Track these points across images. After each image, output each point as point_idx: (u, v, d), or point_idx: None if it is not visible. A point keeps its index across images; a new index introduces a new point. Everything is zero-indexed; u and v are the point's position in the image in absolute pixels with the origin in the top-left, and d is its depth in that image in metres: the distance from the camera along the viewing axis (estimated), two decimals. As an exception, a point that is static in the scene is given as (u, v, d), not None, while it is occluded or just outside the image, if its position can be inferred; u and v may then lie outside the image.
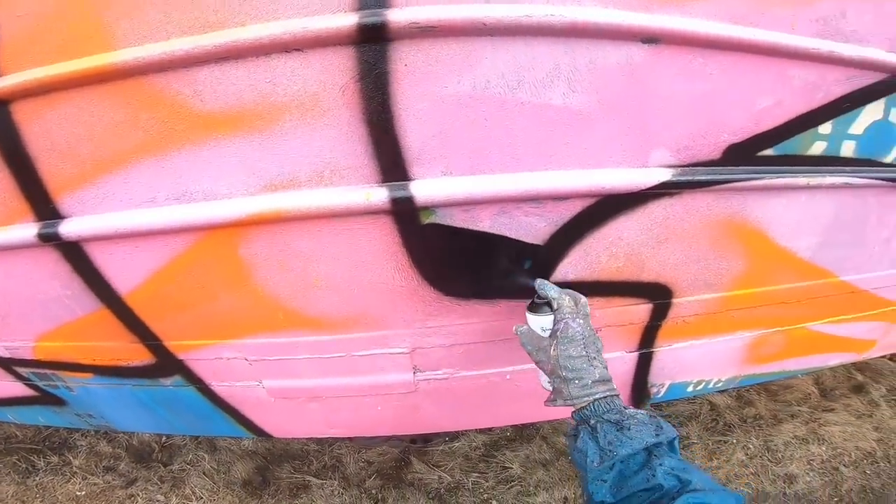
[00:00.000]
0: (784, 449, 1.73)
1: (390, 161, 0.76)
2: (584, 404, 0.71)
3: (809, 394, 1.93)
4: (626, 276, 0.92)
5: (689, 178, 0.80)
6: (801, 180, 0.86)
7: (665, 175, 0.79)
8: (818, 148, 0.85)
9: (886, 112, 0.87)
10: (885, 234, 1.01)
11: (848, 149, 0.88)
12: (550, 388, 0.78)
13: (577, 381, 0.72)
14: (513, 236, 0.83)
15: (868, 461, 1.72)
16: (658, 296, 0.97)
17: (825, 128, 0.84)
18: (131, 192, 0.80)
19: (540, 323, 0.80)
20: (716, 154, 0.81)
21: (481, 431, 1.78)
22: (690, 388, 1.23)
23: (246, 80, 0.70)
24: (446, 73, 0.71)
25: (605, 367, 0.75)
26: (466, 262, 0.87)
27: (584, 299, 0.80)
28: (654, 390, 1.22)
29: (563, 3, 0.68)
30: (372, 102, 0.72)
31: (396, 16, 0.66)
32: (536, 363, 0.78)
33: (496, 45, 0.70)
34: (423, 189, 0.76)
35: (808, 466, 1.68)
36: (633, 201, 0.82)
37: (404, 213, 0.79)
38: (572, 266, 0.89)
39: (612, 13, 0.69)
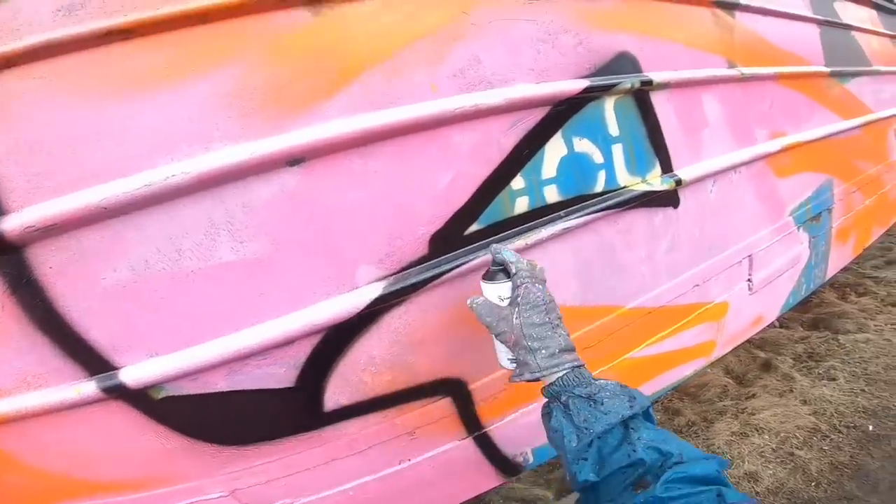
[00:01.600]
0: (728, 449, 1.67)
1: (86, 357, 0.72)
2: (553, 376, 0.66)
3: (726, 385, 1.91)
4: (403, 385, 0.88)
5: (403, 284, 0.79)
6: (519, 242, 0.85)
7: (376, 290, 0.77)
8: (522, 205, 0.86)
9: (569, 144, 0.89)
10: (642, 253, 1.02)
11: (552, 194, 0.89)
12: (512, 365, 0.73)
13: (543, 351, 0.67)
14: (257, 387, 0.79)
15: (817, 437, 1.67)
16: (452, 388, 0.94)
17: (517, 183, 0.85)
18: None
19: (497, 291, 0.73)
20: (422, 250, 0.80)
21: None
22: (555, 446, 1.20)
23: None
24: (98, 265, 0.68)
25: (568, 335, 0.70)
26: (230, 418, 0.82)
27: (539, 266, 0.75)
28: (519, 459, 1.18)
29: (187, 157, 0.66)
30: (36, 311, 0.69)
31: (8, 224, 0.64)
32: (497, 336, 0.72)
33: (136, 222, 0.67)
34: (133, 374, 0.72)
35: (763, 459, 1.61)
36: (360, 324, 0.80)
37: (132, 396, 0.75)
38: (340, 394, 0.84)
39: (240, 148, 0.67)
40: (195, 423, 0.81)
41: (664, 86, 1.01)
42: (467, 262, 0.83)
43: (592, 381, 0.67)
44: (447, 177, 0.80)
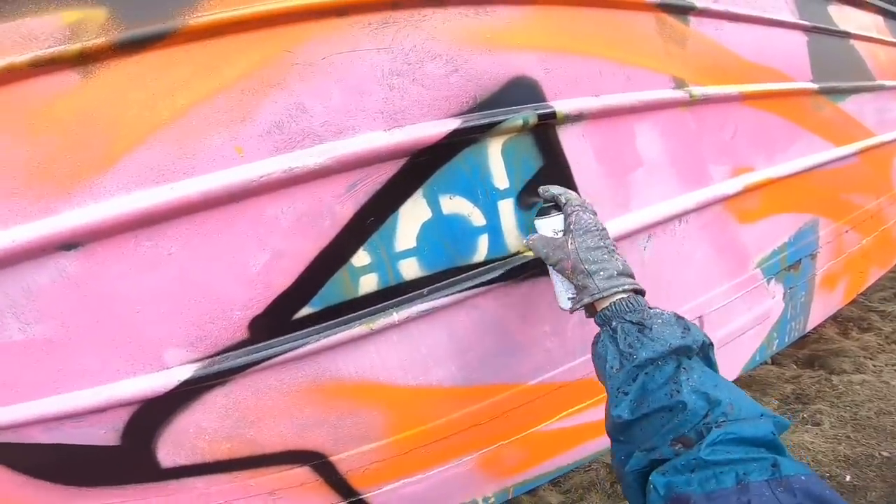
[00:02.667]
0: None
1: None
2: (613, 295, 0.64)
3: None
4: (247, 453, 0.81)
5: (220, 367, 0.70)
6: (362, 329, 0.73)
7: (186, 373, 0.69)
8: (370, 283, 0.73)
9: (433, 205, 0.73)
10: (546, 328, 0.86)
11: (411, 270, 0.74)
12: (569, 300, 0.72)
13: (601, 273, 0.66)
14: (79, 443, 0.77)
15: None
16: (306, 459, 0.87)
17: (360, 259, 0.72)
18: None
19: (551, 225, 0.73)
20: (241, 334, 0.70)
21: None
22: (462, 510, 1.12)
23: None
24: None
25: (626, 262, 0.69)
26: (63, 463, 0.81)
27: (587, 200, 0.74)
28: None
29: None
30: None
31: None
32: (555, 265, 0.71)
33: None
34: None
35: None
36: (177, 399, 0.73)
37: None
38: (175, 455, 0.78)
39: (8, 234, 0.61)
40: (30, 465, 0.81)
41: (577, 117, 0.79)
42: (300, 346, 0.72)
43: (647, 308, 0.63)
44: (263, 256, 0.68)
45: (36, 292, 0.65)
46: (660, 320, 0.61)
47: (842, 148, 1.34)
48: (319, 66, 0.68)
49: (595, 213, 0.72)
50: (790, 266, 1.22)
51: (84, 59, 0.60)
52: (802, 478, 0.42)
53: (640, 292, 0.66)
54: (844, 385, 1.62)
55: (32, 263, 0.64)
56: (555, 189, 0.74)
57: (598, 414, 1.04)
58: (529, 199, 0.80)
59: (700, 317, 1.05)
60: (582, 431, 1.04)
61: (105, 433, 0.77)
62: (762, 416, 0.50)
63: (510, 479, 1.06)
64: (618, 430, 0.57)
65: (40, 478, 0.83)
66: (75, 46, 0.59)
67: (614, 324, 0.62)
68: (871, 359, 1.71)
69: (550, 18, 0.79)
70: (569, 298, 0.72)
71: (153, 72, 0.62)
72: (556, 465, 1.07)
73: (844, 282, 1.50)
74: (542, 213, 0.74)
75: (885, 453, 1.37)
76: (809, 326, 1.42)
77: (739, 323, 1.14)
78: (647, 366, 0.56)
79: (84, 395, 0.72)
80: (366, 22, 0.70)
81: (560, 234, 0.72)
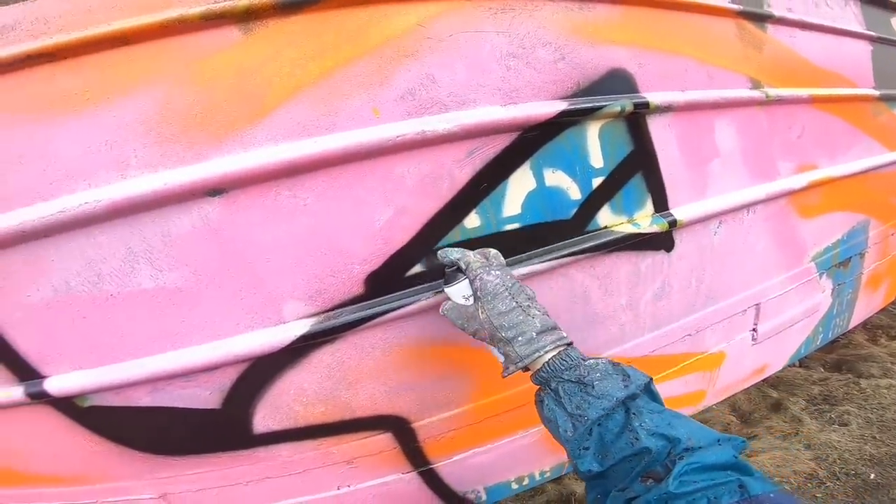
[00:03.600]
0: (718, 490, 1.62)
1: (15, 366, 0.75)
2: (539, 361, 0.63)
3: (729, 423, 1.80)
4: (338, 417, 0.85)
5: (335, 322, 0.74)
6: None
7: (302, 328, 0.73)
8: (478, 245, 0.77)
9: (538, 177, 0.79)
10: (622, 301, 0.92)
11: (515, 234, 0.79)
12: (502, 360, 0.70)
13: (520, 339, 0.64)
14: (181, 406, 0.79)
15: (812, 483, 1.59)
16: (391, 425, 0.90)
17: (472, 221, 0.77)
18: None
19: (460, 292, 0.71)
20: (357, 289, 0.75)
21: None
22: (514, 486, 1.15)
23: None
24: (22, 284, 0.69)
25: (546, 314, 0.67)
26: (157, 429, 0.83)
27: (493, 251, 0.73)
28: (472, 496, 1.15)
29: (105, 183, 0.65)
30: (-33, 321, 0.72)
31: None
32: (473, 335, 0.70)
33: (58, 245, 0.67)
34: (56, 384, 0.75)
35: (750, 505, 1.54)
36: (287, 357, 0.77)
37: (58, 403, 0.78)
38: (270, 419, 0.82)
39: (157, 177, 0.65)
40: (122, 430, 0.82)
41: (665, 109, 0.88)
42: (410, 303, 0.77)
43: (581, 361, 0.63)
44: (386, 213, 0.73)
45: (175, 237, 0.69)
46: (598, 374, 0.60)
47: (895, 153, 1.44)
48: (448, 41, 0.74)
49: (502, 266, 0.70)
50: (841, 263, 1.30)
51: (248, 16, 0.65)
52: (771, 495, 0.44)
53: (569, 345, 0.65)
54: (872, 388, 1.69)
55: (176, 208, 0.68)
56: (453, 254, 0.72)
57: (664, 391, 1.10)
58: (432, 263, 0.79)
59: (758, 304, 1.14)
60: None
61: (210, 395, 0.78)
62: (719, 441, 0.53)
63: (568, 455, 1.11)
64: (591, 479, 0.59)
65: (129, 446, 0.83)
66: (242, 3, 0.64)
67: (553, 385, 0.62)
68: (897, 365, 1.81)
69: (643, 18, 0.87)
70: (498, 353, 0.70)
71: (306, 33, 0.68)
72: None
73: (886, 283, 1.58)
74: (449, 279, 0.72)
75: None
76: (851, 325, 1.50)
77: (791, 314, 1.22)
78: (599, 420, 0.58)
79: (201, 351, 0.74)
80: (488, 6, 0.77)
81: (471, 301, 0.69)
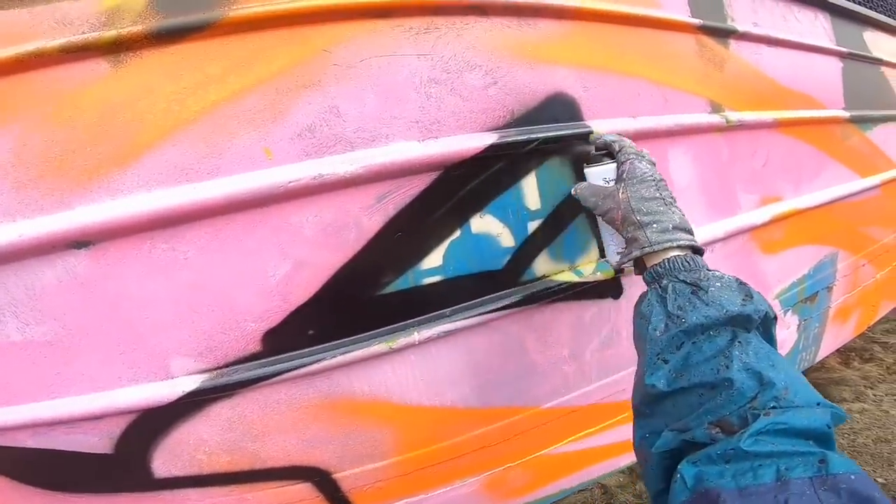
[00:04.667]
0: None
1: None
2: (666, 251, 0.59)
3: None
4: (247, 466, 0.79)
5: (229, 379, 0.68)
6: (381, 347, 0.71)
7: (192, 383, 0.67)
8: (393, 301, 0.71)
9: (463, 223, 0.72)
10: (564, 353, 0.86)
11: (435, 289, 0.73)
12: (618, 255, 0.68)
13: (655, 226, 0.60)
14: (69, 449, 0.74)
15: None
16: (310, 475, 0.86)
17: (384, 275, 0.70)
18: None
19: (602, 174, 0.69)
20: (253, 347, 0.68)
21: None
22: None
23: None
24: None
25: (685, 217, 0.63)
26: (49, 469, 0.78)
27: (646, 150, 0.70)
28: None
29: None
30: None
31: None
32: (603, 215, 0.67)
33: None
34: None
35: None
36: (181, 410, 0.71)
37: None
38: (171, 465, 0.76)
39: (16, 227, 0.58)
40: (14, 467, 0.79)
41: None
42: (317, 361, 0.71)
43: (706, 269, 0.57)
44: (284, 266, 0.66)
45: (39, 291, 0.63)
46: (718, 283, 0.54)
47: (866, 179, 1.35)
48: (358, 68, 0.66)
49: (654, 164, 0.67)
50: (807, 298, 1.24)
51: (117, 48, 0.58)
52: (852, 477, 0.38)
53: (699, 251, 0.61)
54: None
55: (39, 260, 0.62)
56: (609, 136, 0.71)
57: (605, 439, 1.05)
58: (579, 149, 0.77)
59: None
60: (588, 455, 1.04)
61: (98, 441, 0.74)
62: (819, 405, 0.44)
63: (513, 500, 1.06)
64: (647, 401, 0.52)
65: (25, 482, 0.80)
66: (110, 34, 0.56)
67: (665, 282, 0.56)
68: (871, 388, 1.77)
69: (592, 35, 0.79)
70: (617, 252, 0.69)
71: (186, 65, 0.60)
72: (559, 488, 1.08)
73: (857, 314, 1.53)
74: (593, 160, 0.71)
75: (880, 479, 1.41)
76: (819, 357, 1.45)
77: None
78: (697, 334, 0.50)
79: (80, 402, 0.70)
80: (408, 26, 0.69)
81: (611, 183, 0.68)
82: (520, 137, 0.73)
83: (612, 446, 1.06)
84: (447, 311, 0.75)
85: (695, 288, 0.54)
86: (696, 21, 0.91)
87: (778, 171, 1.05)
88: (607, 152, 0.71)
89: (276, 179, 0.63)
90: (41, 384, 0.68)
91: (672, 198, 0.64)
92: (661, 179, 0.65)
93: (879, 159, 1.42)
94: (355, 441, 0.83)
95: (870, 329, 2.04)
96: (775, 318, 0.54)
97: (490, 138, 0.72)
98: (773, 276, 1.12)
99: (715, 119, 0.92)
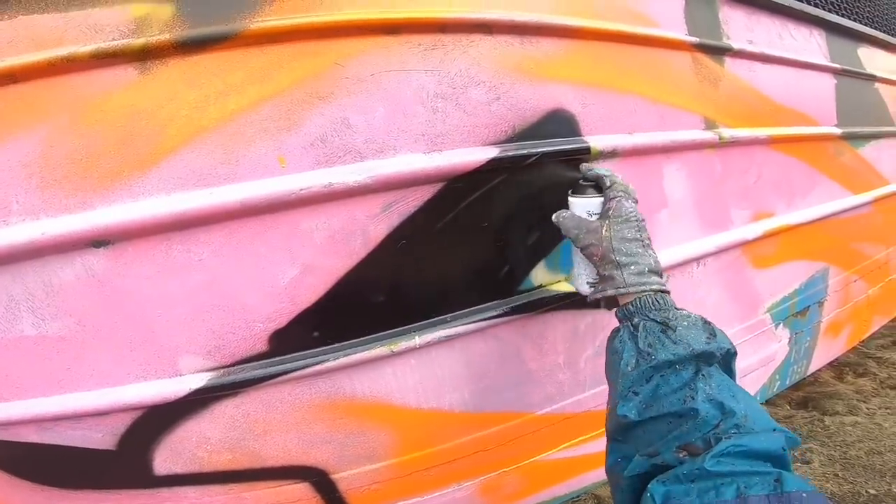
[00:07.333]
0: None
1: None
2: (639, 292, 0.64)
3: None
4: (247, 465, 0.84)
5: (236, 377, 0.74)
6: (382, 350, 0.77)
7: (199, 381, 0.73)
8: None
9: (465, 232, 0.78)
10: (559, 360, 0.92)
11: (437, 296, 0.79)
12: (588, 286, 0.73)
13: (632, 267, 0.65)
14: (72, 445, 0.79)
15: None
16: (308, 475, 0.91)
17: (389, 280, 0.76)
18: None
19: (587, 207, 0.73)
20: (260, 346, 0.74)
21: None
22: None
23: None
24: None
25: (658, 261, 0.68)
26: (50, 464, 0.83)
27: (632, 187, 0.74)
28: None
29: None
30: None
31: None
32: (583, 250, 0.71)
33: None
34: None
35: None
36: (185, 407, 0.76)
37: None
38: (172, 463, 0.82)
39: (39, 225, 0.64)
40: (13, 463, 0.83)
41: (609, 154, 0.86)
42: (321, 362, 0.76)
43: (674, 308, 0.63)
44: (292, 270, 0.72)
45: (57, 288, 0.68)
46: (685, 322, 0.60)
47: (858, 196, 1.42)
48: (368, 82, 0.72)
49: (636, 202, 0.72)
50: (798, 312, 1.31)
51: (145, 55, 0.63)
52: (804, 494, 0.43)
53: (666, 293, 0.67)
54: (836, 426, 1.72)
55: (58, 258, 0.67)
56: (601, 169, 0.74)
57: (598, 446, 1.10)
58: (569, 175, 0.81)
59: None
60: (581, 463, 1.10)
61: (102, 437, 0.79)
62: (775, 430, 0.50)
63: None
64: (619, 429, 0.58)
65: (24, 477, 0.84)
66: (139, 41, 0.62)
67: (636, 320, 0.62)
68: (864, 402, 1.82)
69: (591, 53, 0.85)
70: (588, 283, 0.74)
71: (209, 73, 0.66)
72: (552, 495, 1.13)
73: (848, 329, 1.60)
74: (579, 191, 0.74)
75: (871, 491, 1.44)
76: (810, 370, 1.52)
77: (745, 364, 1.22)
78: (664, 368, 0.56)
79: (88, 397, 0.74)
80: (416, 42, 0.75)
81: (594, 218, 0.72)
82: (520, 152, 0.80)
83: (602, 454, 1.12)
84: (447, 316, 0.81)
85: (664, 327, 0.60)
86: (693, 39, 0.98)
87: (770, 187, 1.13)
88: (595, 184, 0.74)
89: (289, 186, 0.69)
90: (51, 379, 0.73)
91: (649, 239, 0.69)
92: (643, 220, 0.70)
93: (871, 176, 1.50)
94: (354, 442, 0.88)
95: (864, 344, 2.12)
96: (735, 353, 0.62)
97: (492, 152, 0.78)
98: (765, 291, 1.19)
99: (709, 136, 0.99)
